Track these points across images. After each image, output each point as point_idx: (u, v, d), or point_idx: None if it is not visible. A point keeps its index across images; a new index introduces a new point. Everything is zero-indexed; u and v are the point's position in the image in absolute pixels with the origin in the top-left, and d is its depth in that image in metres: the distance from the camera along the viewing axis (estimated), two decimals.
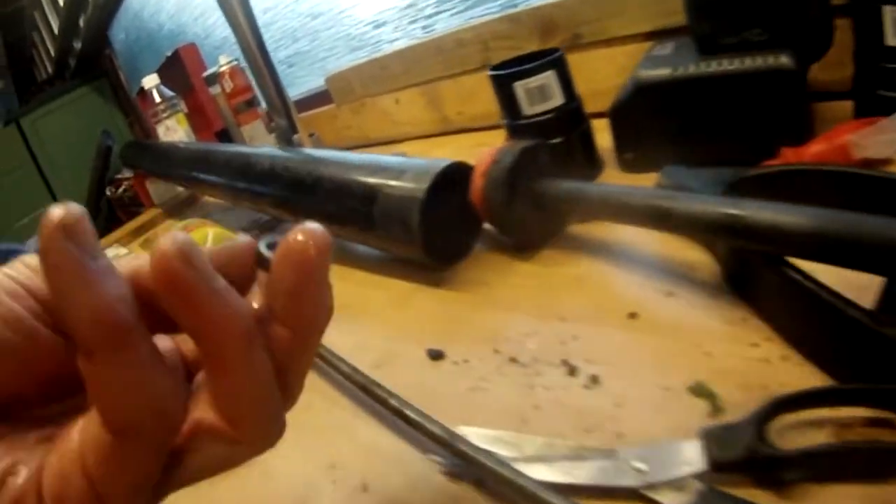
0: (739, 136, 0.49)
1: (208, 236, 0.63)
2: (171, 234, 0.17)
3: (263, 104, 1.22)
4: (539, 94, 0.56)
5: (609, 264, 0.46)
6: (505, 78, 0.57)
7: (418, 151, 0.86)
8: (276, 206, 0.72)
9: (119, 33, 2.34)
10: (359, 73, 1.09)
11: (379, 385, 0.40)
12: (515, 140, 0.53)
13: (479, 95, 0.91)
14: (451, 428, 0.34)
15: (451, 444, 0.33)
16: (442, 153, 0.59)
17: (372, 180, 0.55)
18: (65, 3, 1.91)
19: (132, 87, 2.20)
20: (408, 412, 0.37)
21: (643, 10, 0.67)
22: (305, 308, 0.21)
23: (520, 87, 0.57)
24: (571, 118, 0.58)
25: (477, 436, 0.33)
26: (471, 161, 0.54)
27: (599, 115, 0.58)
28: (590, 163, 0.60)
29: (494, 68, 0.60)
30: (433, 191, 0.51)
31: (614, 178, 0.58)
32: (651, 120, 0.53)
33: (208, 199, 1.32)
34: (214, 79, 1.30)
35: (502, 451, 0.32)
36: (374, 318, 0.54)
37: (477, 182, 0.52)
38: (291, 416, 0.22)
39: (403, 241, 0.53)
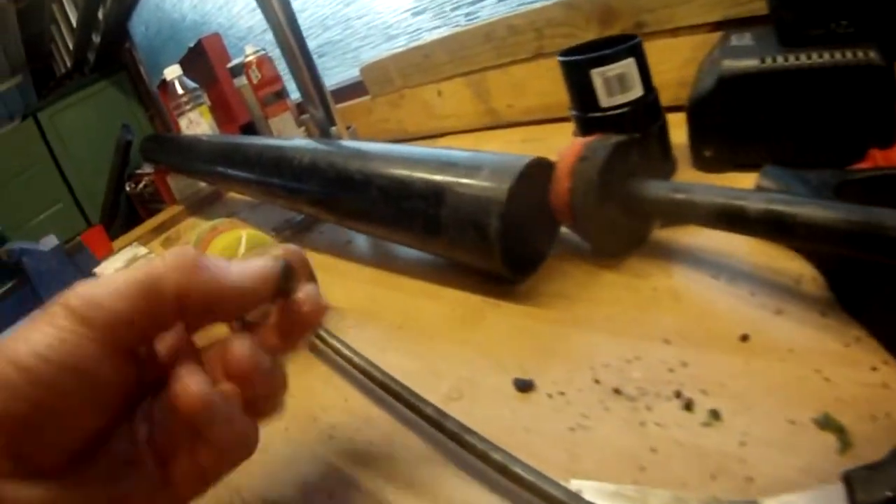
0: (826, 135, 0.45)
1: (241, 239, 0.56)
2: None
3: (292, 96, 1.17)
4: (618, 83, 0.50)
5: (704, 276, 0.40)
6: (581, 64, 0.51)
7: (462, 146, 0.79)
8: (316, 204, 0.65)
9: (139, 26, 2.30)
10: (398, 62, 1.02)
11: (462, 425, 0.33)
12: (601, 135, 0.46)
13: (531, 87, 0.84)
14: (563, 483, 0.28)
15: None
16: (489, 149, 0.53)
17: (439, 178, 0.48)
18: None
19: (153, 81, 2.15)
20: (511, 465, 0.29)
21: None
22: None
23: (597, 75, 0.50)
24: (650, 112, 0.52)
25: (594, 492, 0.28)
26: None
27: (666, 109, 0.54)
28: (665, 160, 0.54)
29: (564, 54, 0.54)
30: (514, 191, 0.43)
31: (690, 177, 0.52)
32: (734, 115, 0.48)
33: (233, 195, 1.26)
34: (240, 69, 1.25)
35: None
36: (441, 338, 0.46)
37: (561, 182, 0.45)
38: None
39: (477, 249, 0.46)
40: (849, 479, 0.24)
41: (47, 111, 2.10)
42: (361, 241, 0.72)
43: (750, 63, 0.46)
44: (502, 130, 0.92)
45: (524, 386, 0.38)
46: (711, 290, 0.39)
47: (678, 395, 0.32)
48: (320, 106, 0.83)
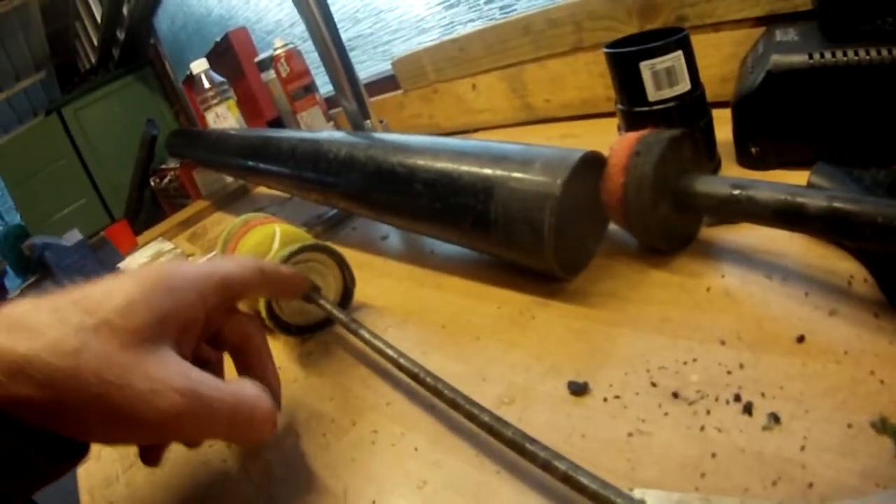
0: (874, 132, 0.44)
1: (275, 234, 0.54)
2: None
3: (321, 90, 1.15)
4: (667, 77, 0.48)
5: (757, 275, 0.39)
6: (629, 57, 0.49)
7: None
8: (353, 199, 0.63)
9: (164, 21, 2.30)
10: (432, 56, 1.00)
11: (523, 433, 0.31)
12: (653, 129, 0.44)
13: (569, 81, 0.82)
14: (627, 492, 0.26)
15: None
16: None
17: (488, 171, 0.46)
18: None
19: (178, 76, 2.14)
20: (575, 474, 0.27)
21: None
22: None
23: (646, 67, 0.48)
24: (696, 107, 0.51)
25: (658, 500, 0.26)
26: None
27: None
28: (710, 157, 0.53)
29: (610, 46, 0.52)
30: (567, 186, 0.41)
31: (734, 174, 0.51)
32: (781, 111, 0.47)
33: (260, 190, 1.25)
34: (268, 63, 1.25)
35: None
36: (488, 340, 0.44)
37: (614, 178, 0.42)
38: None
39: (527, 246, 0.44)
40: None
41: (71, 106, 2.10)
42: (397, 236, 0.70)
43: (798, 58, 0.45)
44: (539, 126, 0.90)
45: (579, 389, 0.35)
46: (765, 289, 0.37)
47: (737, 398, 0.31)
48: (353, 99, 0.81)
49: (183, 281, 0.32)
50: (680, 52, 0.48)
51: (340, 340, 0.51)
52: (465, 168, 0.47)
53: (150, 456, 0.35)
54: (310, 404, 0.45)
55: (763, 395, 0.30)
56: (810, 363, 0.31)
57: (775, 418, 0.29)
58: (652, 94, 0.49)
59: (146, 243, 1.17)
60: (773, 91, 0.46)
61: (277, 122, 1.39)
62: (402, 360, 0.39)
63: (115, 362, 0.27)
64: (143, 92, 2.17)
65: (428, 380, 0.37)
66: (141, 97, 2.16)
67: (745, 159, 0.51)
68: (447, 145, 0.52)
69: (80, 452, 0.31)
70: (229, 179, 1.33)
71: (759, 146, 0.49)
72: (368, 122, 0.81)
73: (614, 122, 0.56)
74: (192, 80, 1.36)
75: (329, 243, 0.53)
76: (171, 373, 0.29)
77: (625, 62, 0.50)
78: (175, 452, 0.46)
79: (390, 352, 0.40)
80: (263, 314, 0.50)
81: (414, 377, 0.38)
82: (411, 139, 0.57)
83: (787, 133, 0.47)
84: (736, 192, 0.37)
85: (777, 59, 0.46)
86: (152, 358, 0.29)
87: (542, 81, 0.86)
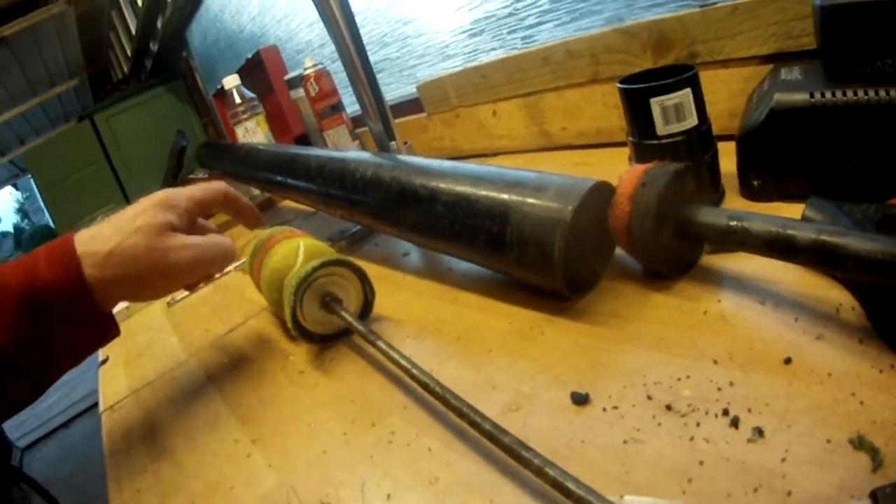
0: (869, 169, 0.47)
1: (300, 248, 0.58)
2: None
3: (348, 110, 1.19)
4: (675, 112, 0.51)
5: (751, 300, 0.42)
6: (640, 93, 0.52)
7: (517, 166, 0.80)
8: (377, 216, 0.66)
9: (197, 35, 2.36)
10: (455, 81, 1.04)
11: (519, 441, 0.34)
12: (659, 162, 0.47)
13: (585, 111, 0.86)
14: (615, 499, 0.29)
15: None
16: (543, 169, 0.53)
17: (505, 196, 0.49)
18: (143, 4, 1.91)
19: (208, 89, 2.19)
20: (565, 481, 0.30)
21: (764, 31, 0.62)
22: None
23: (656, 103, 0.52)
24: (703, 141, 0.53)
25: None
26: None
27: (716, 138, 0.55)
28: (714, 188, 0.55)
29: (623, 82, 0.55)
30: (577, 212, 0.45)
31: (737, 205, 0.54)
32: (782, 146, 0.49)
33: (285, 204, 1.29)
34: (297, 82, 1.28)
35: None
36: (498, 351, 0.47)
37: (621, 206, 0.46)
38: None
39: (539, 267, 0.47)
40: (875, 496, 0.26)
41: (103, 114, 2.15)
42: (417, 253, 0.74)
43: (800, 97, 0.47)
44: (555, 153, 0.93)
45: (580, 399, 0.38)
46: (758, 314, 0.40)
47: (725, 412, 0.33)
48: (379, 120, 0.85)
49: (175, 200, 0.54)
50: (689, 90, 0.50)
51: (361, 349, 0.55)
52: (482, 192, 0.51)
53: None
54: (332, 406, 0.48)
55: (750, 410, 0.32)
56: (795, 383, 0.33)
57: (760, 432, 0.31)
58: (661, 128, 0.52)
59: None
60: (775, 127, 0.48)
61: (304, 139, 1.43)
62: (414, 371, 0.43)
63: (154, 243, 0.50)
64: (174, 103, 2.22)
65: (437, 389, 0.40)
66: (171, 108, 2.21)
67: (747, 191, 0.53)
68: (466, 170, 0.55)
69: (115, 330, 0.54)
70: (256, 192, 1.36)
71: (760, 179, 0.52)
72: (394, 143, 0.85)
73: (627, 153, 0.59)
74: (223, 95, 1.39)
75: (350, 258, 0.56)
76: (183, 241, 0.52)
77: (636, 97, 0.53)
78: (199, 447, 0.50)
79: (404, 362, 0.44)
80: (289, 324, 0.53)
81: (424, 386, 0.41)
82: (433, 163, 0.61)
83: (787, 167, 0.50)
84: (732, 223, 0.40)
85: (780, 97, 0.48)
86: (171, 237, 0.51)
87: (560, 110, 0.89)
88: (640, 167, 0.46)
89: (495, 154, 1.04)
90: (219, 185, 0.60)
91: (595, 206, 0.46)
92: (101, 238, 0.49)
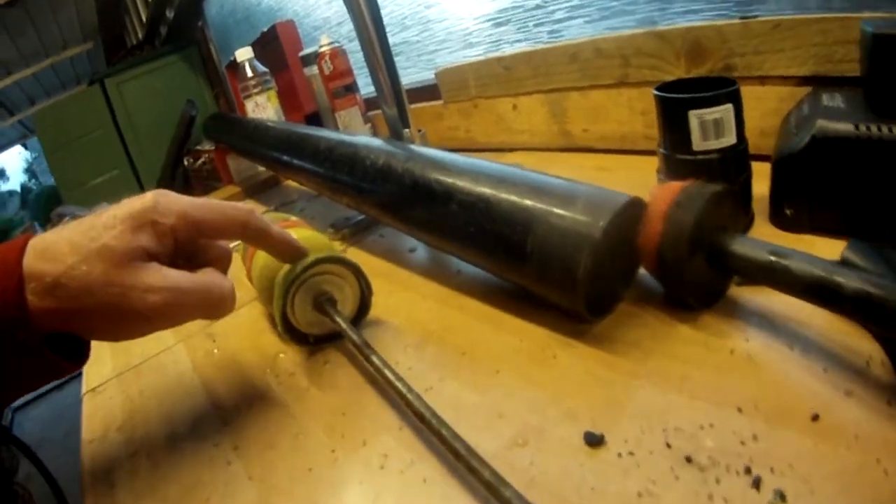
0: None
1: None
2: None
3: (362, 92, 1.15)
4: (714, 128, 0.48)
5: (780, 343, 0.38)
6: (680, 103, 0.49)
7: (533, 165, 0.76)
8: (386, 209, 0.62)
9: (214, 4, 2.31)
10: (477, 70, 0.99)
11: (522, 497, 0.30)
12: (696, 181, 0.43)
13: (610, 114, 0.82)
14: None
15: None
16: (560, 171, 0.50)
17: (529, 203, 0.45)
18: None
19: (222, 60, 2.15)
20: None
21: (804, 51, 0.58)
22: None
23: (695, 116, 0.48)
24: (739, 161, 0.50)
25: None
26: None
27: None
28: (745, 213, 0.52)
29: (660, 89, 0.52)
30: (608, 229, 0.41)
31: (765, 233, 0.50)
32: (821, 177, 0.46)
33: (290, 182, 1.25)
34: (312, 59, 1.25)
35: None
36: (507, 374, 0.43)
37: (652, 225, 0.42)
38: None
39: (559, 285, 0.43)
40: None
41: (115, 79, 2.11)
42: (424, 250, 0.70)
43: (844, 127, 0.44)
44: (574, 154, 0.89)
45: (594, 441, 0.35)
46: (786, 360, 0.37)
47: (748, 470, 0.30)
48: (395, 105, 0.81)
49: (163, 217, 0.40)
50: (730, 106, 0.47)
51: (356, 355, 0.50)
52: (504, 196, 0.47)
53: None
54: (321, 417, 0.44)
55: (772, 470, 0.30)
56: (821, 444, 0.30)
57: (781, 496, 0.28)
58: (697, 143, 0.49)
59: None
60: (815, 156, 0.45)
61: (315, 118, 1.39)
62: (409, 396, 0.39)
63: (115, 276, 0.37)
64: (186, 72, 2.18)
65: (433, 422, 0.36)
66: (183, 77, 2.17)
67: (778, 219, 0.50)
68: (488, 169, 0.51)
69: (83, 356, 0.42)
70: (262, 168, 1.33)
71: (794, 208, 0.49)
72: (408, 130, 0.81)
73: (650, 161, 0.56)
74: (235, 67, 1.36)
75: (345, 256, 0.52)
76: (155, 278, 0.38)
77: (675, 108, 0.49)
78: (178, 445, 0.46)
79: (399, 385, 0.40)
80: (279, 328, 0.50)
81: (420, 417, 0.37)
82: (451, 157, 0.57)
83: (824, 200, 0.46)
84: (773, 258, 0.37)
85: (823, 124, 0.45)
86: (141, 270, 0.38)
87: (584, 110, 0.85)
88: (675, 184, 0.43)
89: (512, 150, 1.00)
90: (240, 210, 0.44)
91: (624, 222, 0.42)
92: (54, 254, 0.37)
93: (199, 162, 1.44)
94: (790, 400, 0.34)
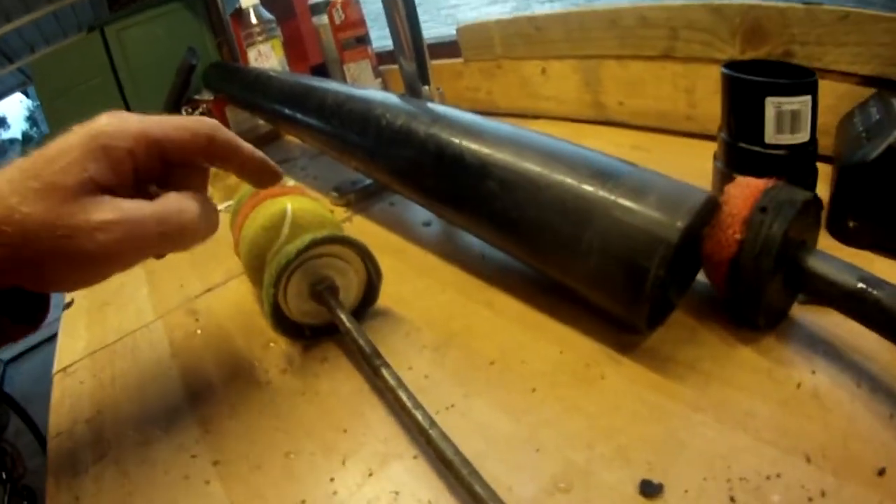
0: None
1: (286, 215, 0.46)
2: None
3: (374, 44, 1.07)
4: (791, 120, 0.42)
5: (847, 379, 0.33)
6: (756, 87, 0.43)
7: (563, 136, 0.68)
8: (402, 179, 0.54)
9: None
10: (504, 29, 0.90)
11: None
12: (778, 182, 0.36)
13: (649, 89, 0.73)
14: None
15: None
16: (592, 145, 0.43)
17: (589, 189, 0.37)
18: None
19: (226, 7, 2.06)
20: None
21: (868, 49, 0.52)
22: None
23: (772, 104, 0.42)
24: (808, 162, 0.45)
25: None
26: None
27: None
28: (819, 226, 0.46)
29: (729, 67, 0.46)
30: (686, 232, 0.33)
31: (821, 245, 0.43)
32: (893, 192, 0.41)
33: (291, 137, 1.17)
34: (322, 7, 1.19)
35: None
36: (546, 393, 0.36)
37: (728, 231, 0.35)
38: None
39: (618, 292, 0.36)
40: None
41: (115, 26, 2.03)
42: (440, 224, 0.62)
43: None
44: (607, 128, 0.81)
45: (652, 491, 0.29)
46: (854, 400, 0.32)
47: None
48: (414, 59, 0.72)
49: (116, 140, 0.34)
50: (809, 98, 0.42)
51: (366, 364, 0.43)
52: (557, 177, 0.38)
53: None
54: (318, 432, 0.37)
55: None
56: (887, 502, 0.26)
57: None
58: (770, 135, 0.43)
59: None
60: (889, 168, 0.40)
61: (322, 69, 1.32)
62: (432, 433, 0.32)
63: (60, 216, 0.31)
64: (189, 20, 2.09)
65: (463, 472, 0.29)
66: (186, 24, 2.08)
67: (837, 230, 0.45)
68: (536, 142, 0.43)
69: (38, 316, 0.38)
70: (261, 121, 1.25)
71: (858, 221, 0.43)
72: (427, 88, 0.73)
73: (691, 144, 0.53)
74: (239, 14, 1.28)
75: (352, 236, 0.44)
76: (106, 214, 0.32)
77: (749, 91, 0.44)
78: (150, 454, 0.39)
79: (419, 416, 0.33)
80: (269, 321, 0.42)
81: (446, 463, 0.30)
82: (487, 123, 0.48)
83: (893, 217, 0.41)
84: (862, 286, 0.31)
85: None
86: (90, 205, 0.32)
87: (621, 82, 0.77)
88: (755, 184, 0.36)
89: (536, 117, 0.91)
90: (204, 124, 0.38)
91: (698, 222, 0.35)
92: None
93: (198, 112, 1.36)
94: (858, 448, 0.29)
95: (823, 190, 0.45)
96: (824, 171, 0.46)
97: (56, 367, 0.55)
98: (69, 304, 0.68)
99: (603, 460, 0.31)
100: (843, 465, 0.29)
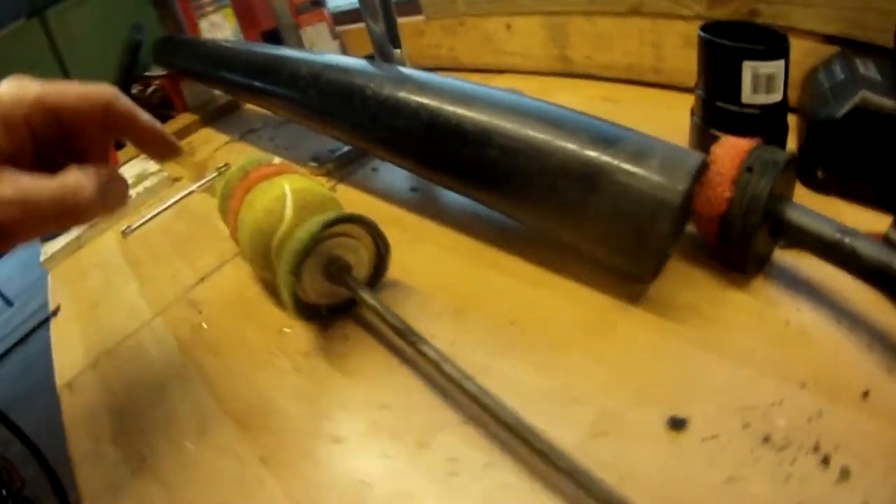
0: None
1: (286, 197, 0.46)
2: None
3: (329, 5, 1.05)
4: (766, 82, 0.45)
5: (829, 317, 0.37)
6: (734, 52, 0.46)
7: (532, 90, 0.69)
8: (394, 149, 0.55)
9: None
10: None
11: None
12: (758, 142, 0.39)
13: (617, 43, 0.75)
14: None
15: None
16: (563, 99, 0.46)
17: (592, 154, 0.38)
18: None
19: None
20: None
21: (835, 11, 0.54)
22: None
23: (749, 68, 0.45)
24: (779, 121, 0.49)
25: None
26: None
27: None
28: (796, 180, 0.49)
29: (705, 30, 0.48)
30: (687, 194, 0.36)
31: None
32: (859, 147, 0.45)
33: (250, 106, 1.15)
34: None
35: None
36: (568, 347, 0.38)
37: (718, 189, 0.38)
38: None
39: (625, 250, 0.38)
40: None
41: (55, 8, 1.94)
42: (428, 189, 0.62)
43: (889, 103, 0.42)
44: (575, 80, 0.82)
45: (678, 424, 0.32)
46: (836, 334, 0.36)
47: (816, 448, 0.30)
48: (382, 20, 0.71)
49: (11, 107, 0.34)
50: (783, 62, 0.45)
51: (377, 325, 0.45)
52: (561, 143, 0.40)
53: None
54: (358, 412, 0.38)
55: (837, 447, 0.29)
56: (873, 420, 0.30)
57: (846, 473, 0.28)
58: (747, 95, 0.46)
59: (129, 160, 1.06)
60: (855, 125, 0.43)
61: (274, 35, 1.28)
62: (486, 401, 0.33)
63: None
64: None
65: (512, 422, 0.31)
66: (129, 1, 2.00)
67: (808, 179, 0.48)
68: (535, 109, 0.44)
69: None
70: (218, 93, 1.22)
71: (826, 172, 0.47)
72: (399, 51, 0.72)
73: (659, 94, 0.58)
74: None
75: (360, 214, 0.44)
76: (4, 186, 0.32)
77: (726, 55, 0.47)
78: (189, 459, 0.39)
79: (470, 386, 0.34)
80: (289, 309, 0.42)
81: (492, 414, 0.32)
82: (480, 90, 0.49)
83: (858, 169, 0.45)
84: (840, 237, 0.35)
85: (868, 96, 0.43)
86: None
87: (588, 37, 0.78)
88: (741, 144, 0.39)
89: (501, 71, 0.92)
90: (103, 91, 0.37)
91: (693, 183, 0.38)
92: None
93: (150, 90, 1.32)
94: (845, 375, 0.33)
95: (792, 140, 0.49)
96: (791, 122, 0.49)
97: (59, 381, 0.52)
98: (56, 312, 0.65)
99: (629, 403, 0.34)
100: (834, 389, 0.32)
